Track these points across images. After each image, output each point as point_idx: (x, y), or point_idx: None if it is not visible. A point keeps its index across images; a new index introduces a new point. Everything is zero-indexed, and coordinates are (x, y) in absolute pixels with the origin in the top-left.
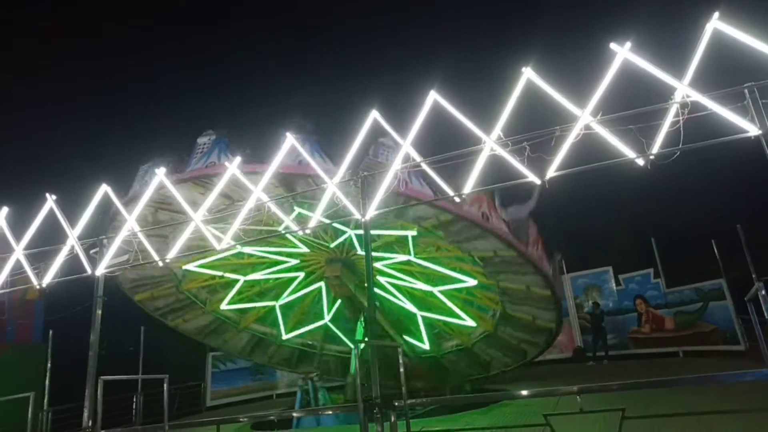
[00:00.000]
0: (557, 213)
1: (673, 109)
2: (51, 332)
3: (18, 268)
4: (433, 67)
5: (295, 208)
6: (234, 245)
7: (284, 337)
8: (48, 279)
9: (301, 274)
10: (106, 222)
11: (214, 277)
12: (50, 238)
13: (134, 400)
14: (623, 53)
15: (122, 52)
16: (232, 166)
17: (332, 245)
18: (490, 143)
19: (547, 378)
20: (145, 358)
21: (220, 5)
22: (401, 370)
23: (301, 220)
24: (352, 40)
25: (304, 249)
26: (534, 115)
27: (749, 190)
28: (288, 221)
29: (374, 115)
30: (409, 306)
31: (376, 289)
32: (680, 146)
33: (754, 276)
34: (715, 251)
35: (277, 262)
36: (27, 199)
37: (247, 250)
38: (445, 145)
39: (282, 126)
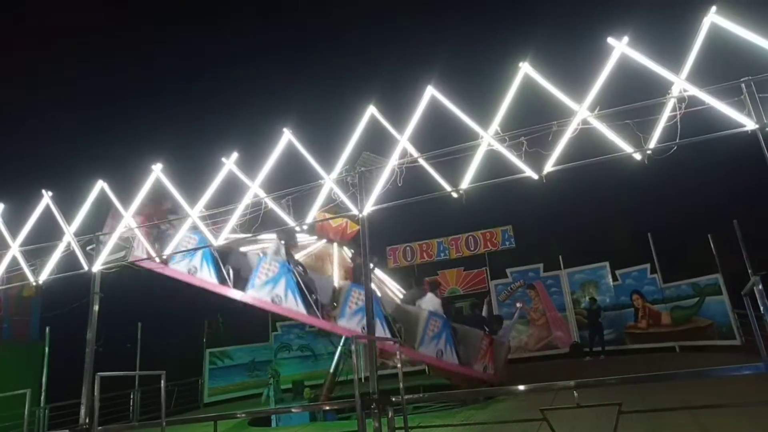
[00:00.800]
0: (555, 208)
1: (670, 104)
2: (48, 329)
3: (14, 265)
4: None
5: None
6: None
7: None
8: (44, 276)
9: None
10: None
11: None
12: (46, 234)
13: (131, 396)
14: (620, 48)
15: (120, 49)
16: (229, 162)
17: None
18: (488, 138)
19: (545, 373)
20: (142, 354)
21: (218, 2)
22: (399, 365)
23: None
24: (349, 35)
25: None
26: (531, 110)
27: (746, 185)
28: (286, 218)
29: (371, 111)
30: None
31: None
32: (677, 141)
33: (750, 271)
34: (712, 246)
35: None
36: (23, 196)
37: None
38: (443, 141)
39: (279, 122)
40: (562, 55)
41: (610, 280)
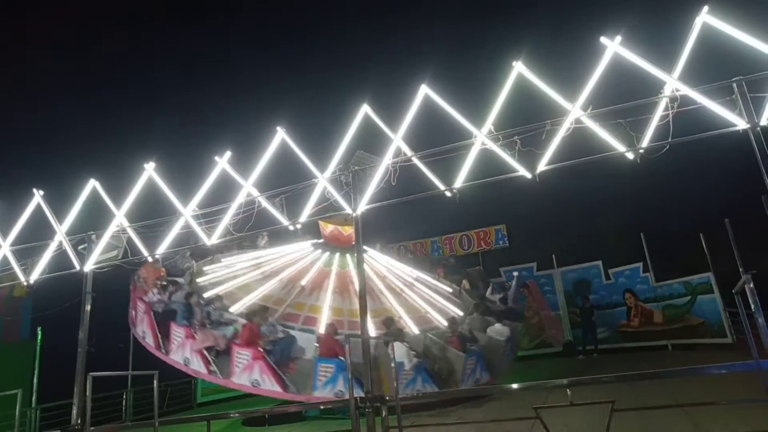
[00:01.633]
0: (548, 208)
1: (662, 103)
2: (39, 329)
3: (5, 265)
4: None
5: None
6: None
7: None
8: (35, 275)
9: None
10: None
11: None
12: (38, 233)
13: (124, 397)
14: (613, 47)
15: (112, 46)
16: (222, 161)
17: None
18: (481, 137)
19: (538, 372)
20: (134, 354)
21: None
22: (392, 365)
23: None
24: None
25: None
26: (525, 110)
27: (737, 184)
28: (279, 216)
29: (365, 109)
30: None
31: None
32: (670, 140)
33: (741, 270)
34: (704, 245)
35: None
36: (14, 195)
37: None
38: (436, 139)
39: (272, 120)
40: (555, 55)
41: (604, 278)
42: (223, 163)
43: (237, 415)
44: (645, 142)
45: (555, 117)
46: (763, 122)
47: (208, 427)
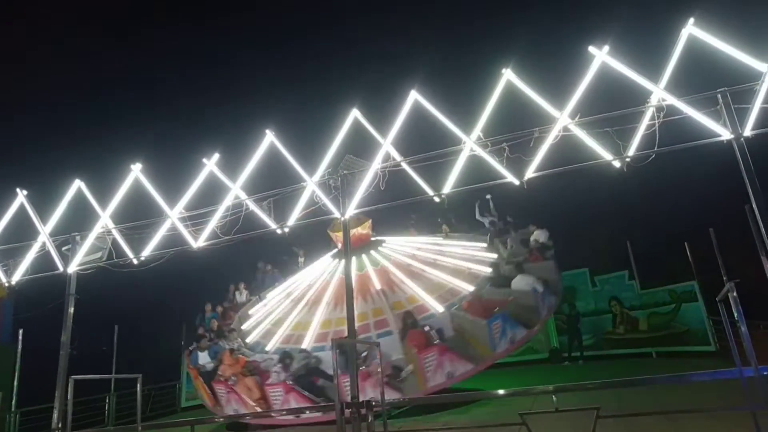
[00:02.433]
0: (535, 214)
1: (649, 113)
2: (21, 331)
3: None
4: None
5: None
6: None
7: None
8: (18, 276)
9: None
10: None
11: None
12: (21, 234)
13: (107, 400)
14: (601, 56)
15: (100, 44)
16: (210, 163)
17: None
18: (470, 143)
19: (524, 378)
20: (118, 358)
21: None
22: (379, 369)
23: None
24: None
25: None
26: (513, 117)
27: (722, 194)
28: (267, 220)
29: (355, 114)
30: None
31: None
32: (656, 149)
33: (725, 278)
34: (688, 254)
35: None
36: None
37: None
38: (426, 145)
39: (261, 123)
40: (544, 63)
41: (590, 285)
42: (211, 165)
43: (222, 419)
44: (631, 151)
45: (543, 124)
46: (746, 133)
47: (192, 431)
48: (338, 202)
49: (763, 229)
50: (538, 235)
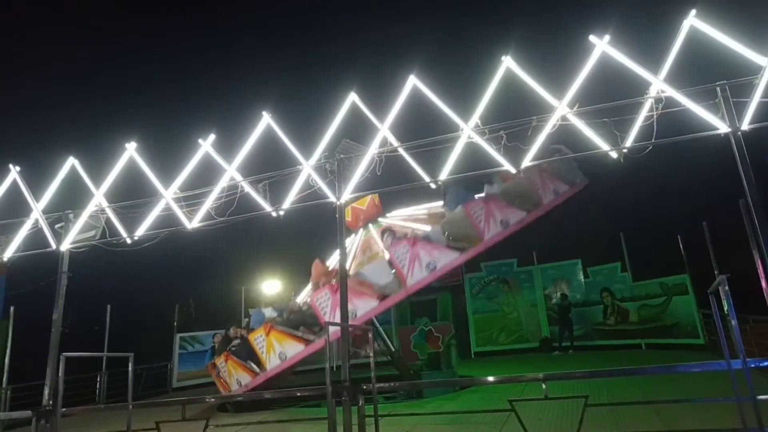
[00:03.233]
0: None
1: (647, 104)
2: (12, 308)
3: None
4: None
5: None
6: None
7: None
8: (9, 253)
9: None
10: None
11: None
12: (13, 210)
13: (98, 379)
14: (602, 46)
15: (96, 23)
16: (206, 144)
17: None
18: (468, 130)
19: (514, 366)
20: (110, 337)
21: None
22: (371, 354)
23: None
24: (333, 21)
25: None
26: (512, 105)
27: (716, 188)
28: (262, 202)
29: (352, 98)
30: None
31: None
32: (653, 141)
33: (716, 272)
34: (681, 247)
35: None
36: None
37: None
38: (423, 131)
39: (258, 105)
40: (544, 51)
41: (582, 276)
42: (206, 146)
43: (213, 400)
44: (629, 142)
45: (541, 113)
46: (744, 127)
47: (183, 411)
48: (334, 186)
49: (756, 224)
50: None
